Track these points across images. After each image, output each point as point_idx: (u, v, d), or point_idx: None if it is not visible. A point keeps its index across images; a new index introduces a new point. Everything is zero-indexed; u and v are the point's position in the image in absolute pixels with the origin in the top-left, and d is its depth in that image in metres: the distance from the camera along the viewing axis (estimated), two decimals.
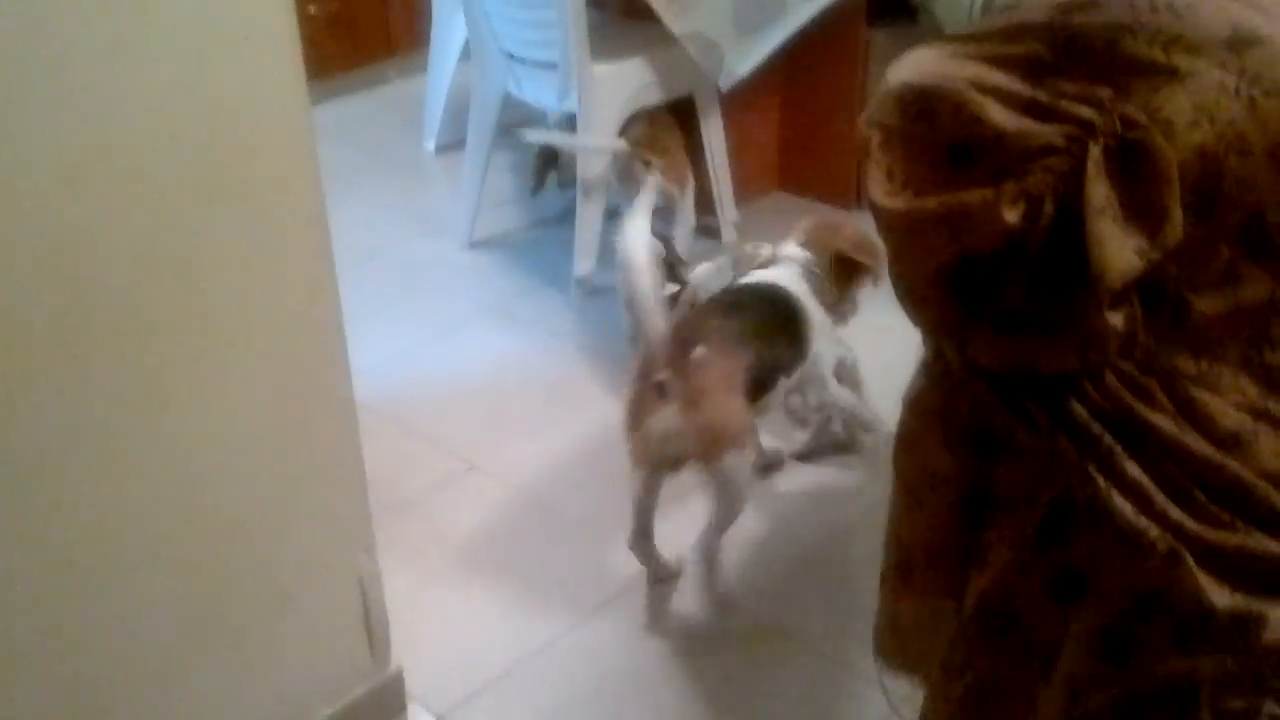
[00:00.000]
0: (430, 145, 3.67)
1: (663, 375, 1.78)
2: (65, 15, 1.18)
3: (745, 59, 2.83)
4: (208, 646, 1.51)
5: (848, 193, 3.18)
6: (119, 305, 1.31)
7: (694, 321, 1.95)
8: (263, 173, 1.39)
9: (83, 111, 1.22)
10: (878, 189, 1.12)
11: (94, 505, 1.35)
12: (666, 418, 1.79)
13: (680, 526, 2.01)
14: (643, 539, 1.95)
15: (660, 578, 1.99)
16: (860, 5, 2.97)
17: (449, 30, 3.55)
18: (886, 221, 1.12)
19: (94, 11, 1.20)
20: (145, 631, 1.44)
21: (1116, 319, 1.05)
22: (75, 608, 1.36)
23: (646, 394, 1.80)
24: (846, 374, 2.18)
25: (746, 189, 3.21)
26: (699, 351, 1.80)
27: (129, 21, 1.23)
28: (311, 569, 1.60)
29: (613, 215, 2.71)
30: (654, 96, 2.84)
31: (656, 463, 1.86)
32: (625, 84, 2.79)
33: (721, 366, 1.82)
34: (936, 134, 1.11)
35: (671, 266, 2.42)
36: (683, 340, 1.81)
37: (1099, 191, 1.05)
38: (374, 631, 1.67)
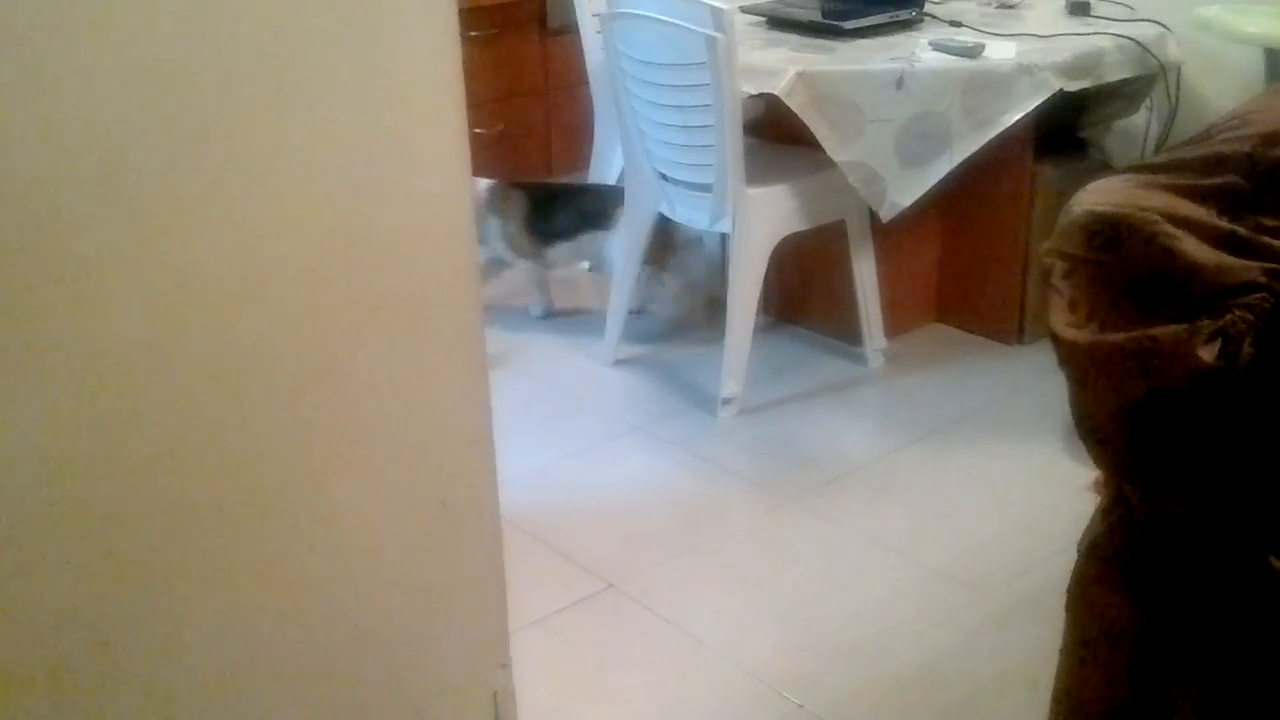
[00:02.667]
0: (585, 264, 3.72)
1: None
2: (256, 134, 1.22)
3: (908, 190, 2.80)
4: None
5: (1010, 328, 3.11)
6: (270, 402, 1.32)
7: None
8: (423, 281, 1.40)
9: (264, 225, 1.25)
10: (1059, 320, 1.07)
11: (229, 599, 1.34)
12: None
13: None
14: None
15: None
16: (1028, 138, 2.92)
17: (609, 154, 3.62)
18: (1069, 355, 1.06)
19: (280, 129, 1.24)
20: None
21: None
22: (201, 705, 1.35)
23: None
24: None
25: (902, 319, 3.16)
26: None
27: (307, 135, 1.26)
28: (446, 682, 1.56)
29: None
30: (806, 221, 2.83)
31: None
32: (778, 208, 2.78)
33: None
34: (1125, 266, 1.05)
35: None
36: None
37: None
38: None
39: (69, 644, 1.25)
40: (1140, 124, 3.15)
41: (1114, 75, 2.89)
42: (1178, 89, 3.01)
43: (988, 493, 2.52)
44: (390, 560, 1.46)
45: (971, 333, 3.19)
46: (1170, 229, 1.03)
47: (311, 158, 1.27)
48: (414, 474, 1.46)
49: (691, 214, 2.86)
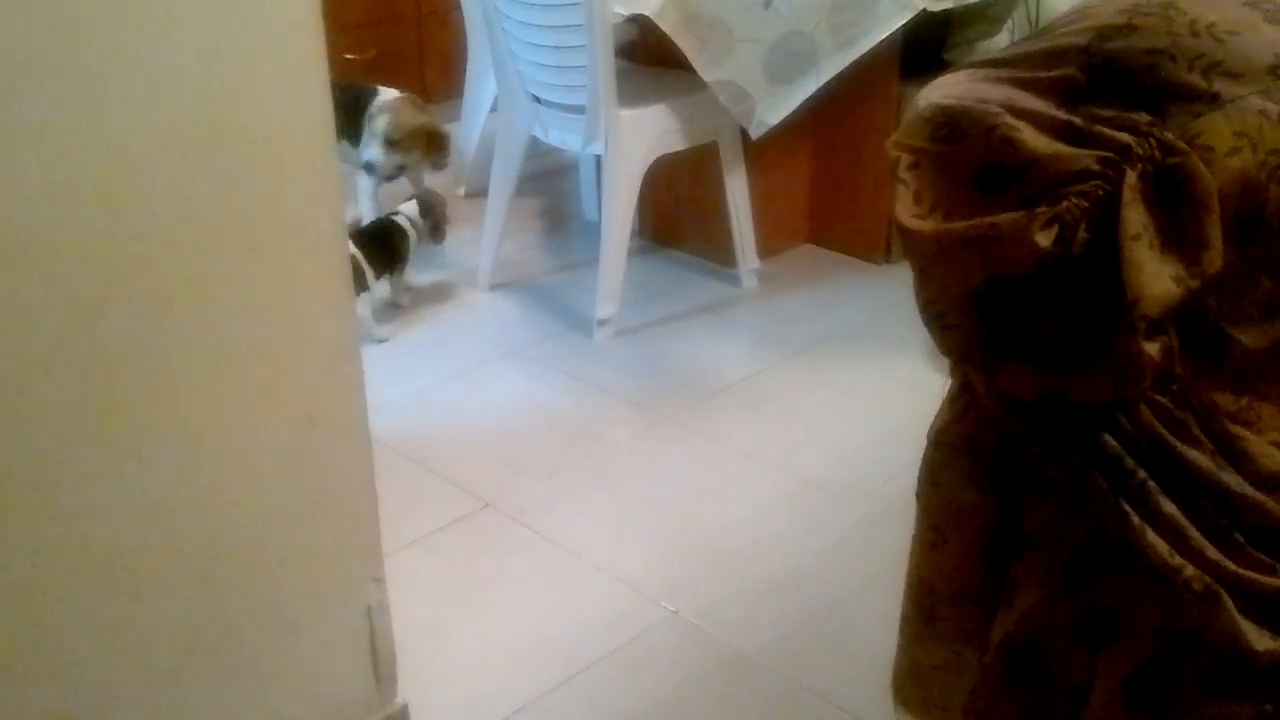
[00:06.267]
0: (460, 191, 3.68)
1: None
2: (105, 47, 1.19)
3: (776, 109, 2.83)
4: (210, 669, 1.47)
5: (878, 247, 3.17)
6: (132, 317, 1.29)
7: None
8: (284, 194, 1.38)
9: (116, 135, 1.22)
10: (905, 212, 1.10)
11: (98, 513, 1.32)
12: None
13: None
14: None
15: None
16: (894, 58, 2.96)
17: (483, 80, 3.58)
18: (914, 244, 1.09)
19: (132, 42, 1.20)
20: (146, 650, 1.40)
21: (1152, 349, 1.02)
22: (74, 618, 1.33)
23: None
24: None
25: (774, 241, 3.20)
26: None
27: (159, 46, 1.23)
28: (320, 597, 1.56)
29: None
30: (679, 142, 2.84)
31: None
32: (651, 129, 2.79)
33: None
34: (967, 157, 1.08)
35: None
36: None
37: (1135, 217, 1.02)
38: (380, 663, 1.63)
39: None
40: (1002, 45, 3.21)
41: None
42: (1038, 10, 3.08)
43: (856, 405, 2.59)
44: (257, 474, 1.45)
45: (841, 253, 3.25)
46: (1010, 120, 1.06)
47: (165, 68, 1.24)
48: (278, 387, 1.44)
49: (564, 136, 2.85)
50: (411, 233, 3.01)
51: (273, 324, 1.41)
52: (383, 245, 2.94)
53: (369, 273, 2.83)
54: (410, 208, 3.04)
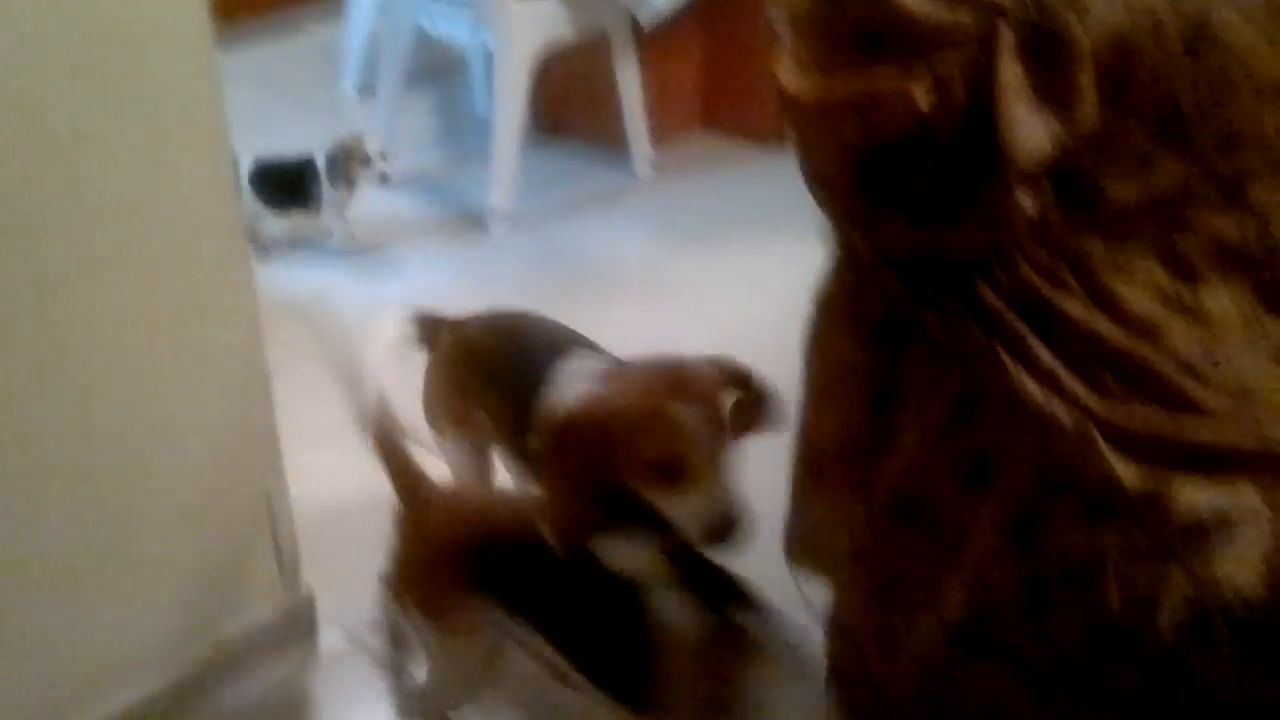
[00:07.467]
0: (349, 87, 3.60)
1: None
2: None
3: None
4: (110, 561, 1.46)
5: (771, 131, 3.17)
6: (8, 207, 1.26)
7: None
8: (160, 79, 1.35)
9: None
10: (786, 76, 1.11)
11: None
12: None
13: None
14: None
15: None
16: None
17: None
18: (795, 109, 1.11)
19: None
20: (42, 544, 1.39)
21: (1025, 199, 1.05)
22: None
23: None
24: None
25: (667, 129, 3.19)
26: None
27: None
28: (218, 486, 1.56)
29: None
30: (568, 33, 2.80)
31: None
32: (540, 20, 2.75)
33: None
34: (845, 20, 1.09)
35: None
36: None
37: (1010, 74, 1.04)
38: (282, 551, 1.64)
39: None
40: None
41: None
42: None
43: (753, 289, 2.61)
44: (143, 361, 1.43)
45: (736, 137, 3.25)
46: None
47: None
48: (161, 273, 1.42)
49: (452, 28, 2.80)
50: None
51: (152, 212, 1.39)
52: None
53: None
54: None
